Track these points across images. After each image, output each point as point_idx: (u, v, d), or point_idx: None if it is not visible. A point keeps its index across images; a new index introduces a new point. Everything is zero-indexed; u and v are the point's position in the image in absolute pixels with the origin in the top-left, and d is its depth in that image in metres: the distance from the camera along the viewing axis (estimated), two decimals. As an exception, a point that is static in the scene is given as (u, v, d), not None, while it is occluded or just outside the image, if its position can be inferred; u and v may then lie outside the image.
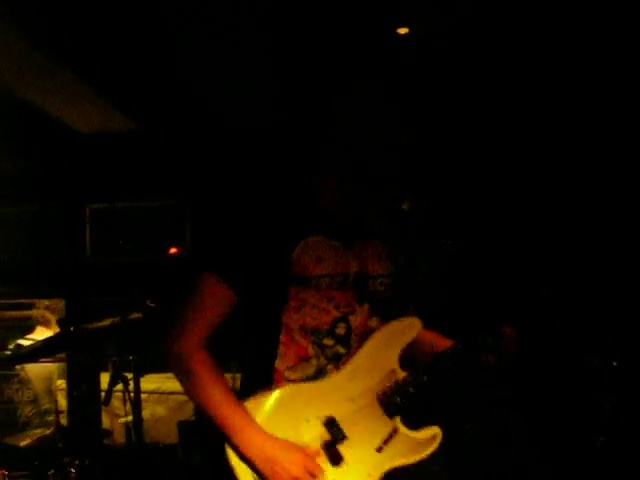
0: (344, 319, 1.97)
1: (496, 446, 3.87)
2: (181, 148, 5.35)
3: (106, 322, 3.59)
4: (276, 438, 1.83)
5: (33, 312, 5.08)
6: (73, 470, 3.22)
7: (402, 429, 1.94)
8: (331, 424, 1.89)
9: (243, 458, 1.83)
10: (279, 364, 1.94)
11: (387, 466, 1.90)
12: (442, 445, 1.97)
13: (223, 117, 4.95)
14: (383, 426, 1.92)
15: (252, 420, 1.84)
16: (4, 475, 3.03)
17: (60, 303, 5.19)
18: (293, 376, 1.93)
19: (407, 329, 2.01)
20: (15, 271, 5.42)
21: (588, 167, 4.59)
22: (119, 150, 5.47)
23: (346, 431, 1.89)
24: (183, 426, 4.91)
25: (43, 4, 3.59)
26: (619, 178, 4.45)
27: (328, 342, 1.95)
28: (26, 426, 4.61)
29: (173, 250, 5.96)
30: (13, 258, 5.62)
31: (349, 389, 1.92)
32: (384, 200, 2.14)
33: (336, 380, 1.93)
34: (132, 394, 3.79)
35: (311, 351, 1.94)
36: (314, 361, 1.94)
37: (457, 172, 5.03)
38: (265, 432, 1.83)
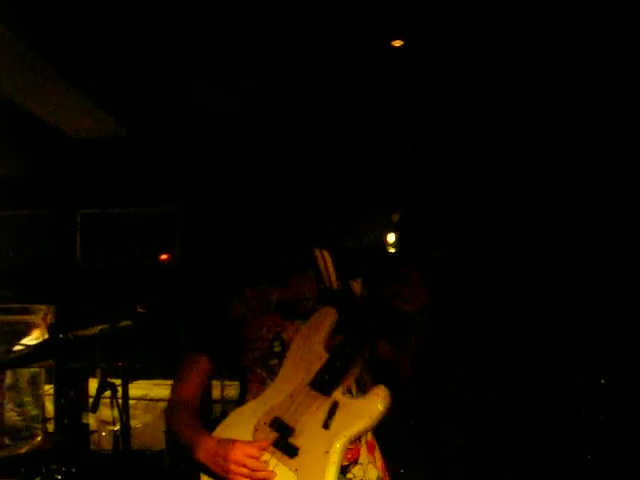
0: (278, 337, 2.18)
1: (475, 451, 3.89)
2: (173, 155, 5.36)
3: (95, 329, 3.59)
4: (228, 438, 2.00)
5: (25, 317, 5.05)
6: (59, 477, 3.21)
7: (342, 399, 2.00)
8: (276, 423, 2.00)
9: (196, 463, 2.03)
10: (248, 397, 2.16)
11: (341, 438, 1.94)
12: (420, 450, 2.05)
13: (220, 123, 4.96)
14: (323, 405, 1.99)
15: (205, 432, 2.07)
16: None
17: (50, 308, 5.16)
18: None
19: (323, 318, 2.14)
20: (5, 276, 5.40)
21: (586, 173, 4.61)
22: (110, 156, 5.47)
23: (291, 424, 1.99)
24: (170, 433, 4.89)
25: (40, 8, 3.59)
26: (618, 181, 4.47)
27: (273, 362, 2.15)
28: (13, 431, 4.58)
29: (164, 257, 5.95)
30: (4, 263, 5.60)
31: (285, 389, 2.06)
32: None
33: (273, 387, 2.10)
34: (120, 400, 3.79)
35: (265, 375, 2.16)
36: (268, 382, 2.14)
37: (446, 182, 5.04)
38: (211, 437, 2.04)
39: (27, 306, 5.13)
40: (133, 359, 4.15)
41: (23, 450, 3.37)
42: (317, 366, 2.06)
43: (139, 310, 3.72)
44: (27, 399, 4.71)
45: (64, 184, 5.71)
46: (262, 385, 2.14)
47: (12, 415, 4.62)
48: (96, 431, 4.68)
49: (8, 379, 4.65)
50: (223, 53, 4.08)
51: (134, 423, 4.18)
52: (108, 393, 3.69)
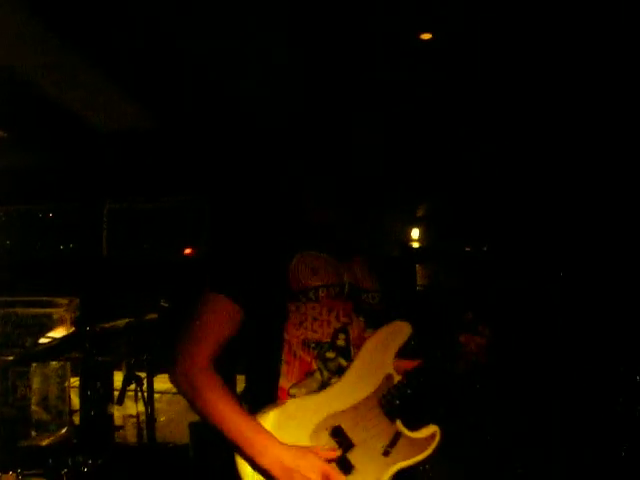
0: (344, 330, 2.00)
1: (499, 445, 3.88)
2: (200, 148, 5.36)
3: (122, 322, 3.60)
4: (291, 446, 1.83)
5: (50, 310, 5.08)
6: (86, 469, 3.22)
7: (404, 431, 1.98)
8: (338, 433, 1.90)
9: (259, 469, 1.82)
10: (284, 382, 1.94)
11: (394, 468, 1.94)
12: (444, 445, 2.02)
13: (241, 119, 4.95)
14: (387, 430, 1.96)
15: (265, 431, 1.84)
16: (18, 475, 3.03)
17: (75, 301, 5.19)
18: (299, 393, 1.93)
19: (397, 333, 2.05)
20: (32, 269, 5.44)
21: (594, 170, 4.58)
22: (138, 150, 5.48)
23: (353, 438, 1.91)
24: (195, 427, 4.91)
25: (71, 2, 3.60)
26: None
27: (330, 355, 1.97)
28: (39, 424, 4.61)
29: (188, 251, 5.97)
30: (30, 256, 5.64)
31: (351, 397, 1.94)
32: (371, 218, 2.20)
33: (338, 390, 1.94)
34: (145, 394, 3.80)
35: (314, 365, 1.96)
36: (318, 375, 1.96)
37: (472, 177, 5.02)
38: (279, 441, 1.83)
39: (53, 299, 5.16)
40: (158, 352, 4.16)
41: (50, 442, 3.40)
42: (385, 385, 1.97)
43: (163, 304, 3.73)
44: (53, 392, 4.73)
45: (91, 178, 5.74)
46: (308, 376, 1.95)
47: (38, 408, 4.64)
48: (122, 426, 4.69)
49: (34, 372, 4.68)
50: (254, 45, 4.07)
51: (158, 416, 4.18)
52: (133, 386, 3.70)
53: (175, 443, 4.94)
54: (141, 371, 3.89)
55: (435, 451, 1.98)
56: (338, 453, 1.88)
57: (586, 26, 3.88)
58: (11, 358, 3.96)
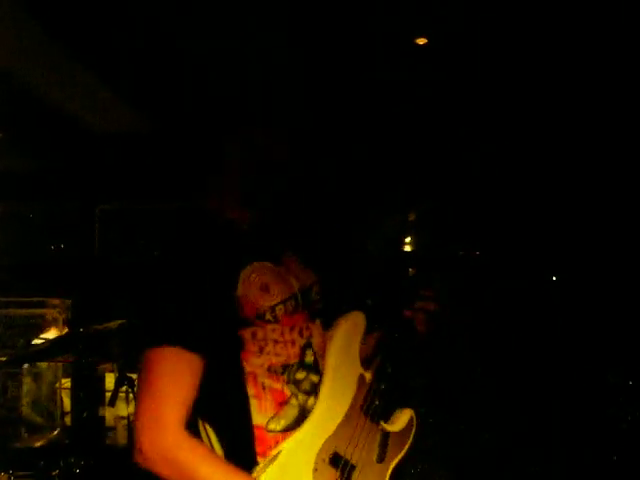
0: (309, 344, 1.81)
1: (502, 451, 3.88)
2: (194, 150, 5.34)
3: (114, 324, 3.60)
4: None
5: (42, 311, 5.07)
6: (78, 471, 3.22)
7: (388, 429, 1.89)
8: (337, 460, 1.75)
9: None
10: (258, 419, 1.70)
11: (390, 468, 1.87)
12: (448, 449, 1.98)
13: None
14: (374, 435, 1.85)
15: None
16: (9, 476, 3.03)
17: (67, 302, 5.18)
18: (279, 426, 1.71)
19: (354, 325, 1.89)
20: (23, 270, 5.42)
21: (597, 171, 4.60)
22: (131, 151, 5.48)
23: (351, 459, 1.77)
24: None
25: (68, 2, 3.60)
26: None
27: (300, 376, 1.77)
28: (30, 425, 4.60)
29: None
30: (22, 256, 5.62)
31: (335, 415, 1.79)
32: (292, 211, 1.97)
33: (320, 413, 1.77)
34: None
35: (287, 392, 1.74)
36: (293, 401, 1.74)
37: (464, 179, 5.04)
38: None
39: (44, 300, 5.15)
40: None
41: (41, 444, 3.40)
42: (362, 388, 1.84)
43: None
44: (44, 393, 4.72)
45: (83, 179, 5.73)
46: (283, 405, 1.73)
47: (29, 409, 4.63)
48: (114, 427, 4.69)
49: (26, 373, 4.67)
50: (249, 48, 4.07)
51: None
52: (124, 387, 3.70)
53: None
54: (133, 372, 3.89)
55: (416, 434, 1.92)
56: None
57: (586, 27, 3.89)
58: (3, 359, 3.95)
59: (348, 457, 1.76)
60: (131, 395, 3.76)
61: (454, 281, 2.08)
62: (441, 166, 5.00)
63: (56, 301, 5.09)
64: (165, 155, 5.41)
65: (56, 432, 3.69)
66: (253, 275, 1.74)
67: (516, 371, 3.99)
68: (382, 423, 1.87)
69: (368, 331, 1.93)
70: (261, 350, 1.71)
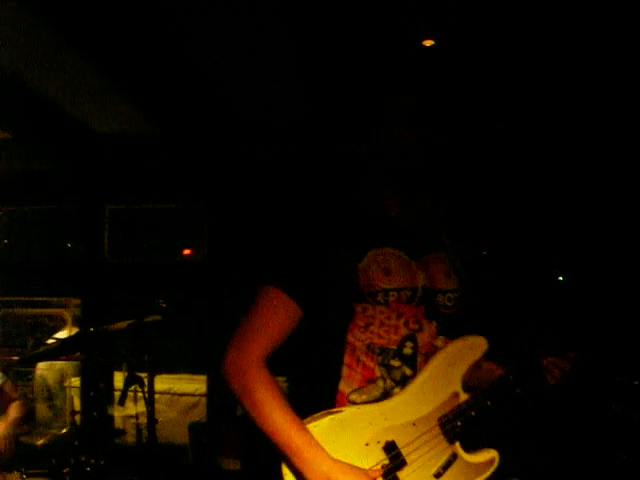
0: (412, 337, 1.86)
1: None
2: (205, 150, 5.37)
3: (123, 323, 3.62)
4: (341, 462, 1.71)
5: (51, 311, 5.11)
6: (89, 469, 3.24)
7: (461, 454, 1.86)
8: (391, 449, 1.78)
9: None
10: (344, 386, 1.83)
11: None
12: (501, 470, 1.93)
13: (251, 118, 4.95)
14: (442, 451, 1.83)
15: (316, 443, 1.71)
16: (21, 474, 3.06)
17: (76, 302, 5.22)
18: (359, 399, 1.82)
19: (472, 349, 1.91)
20: (33, 270, 5.45)
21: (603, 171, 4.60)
22: (139, 151, 5.49)
23: (406, 456, 1.78)
24: (194, 427, 4.94)
25: (71, 2, 3.61)
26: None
27: (395, 363, 1.84)
28: (41, 423, 4.63)
29: (187, 252, 5.99)
30: (31, 257, 5.65)
31: (411, 412, 1.82)
32: (442, 209, 2.07)
33: (398, 402, 1.82)
34: (146, 394, 3.82)
35: (378, 372, 1.83)
36: (380, 383, 1.83)
37: (488, 178, 5.03)
38: (330, 456, 1.71)
39: (54, 299, 5.19)
40: (159, 353, 4.17)
41: (52, 442, 3.42)
42: (449, 404, 1.85)
43: (161, 305, 3.74)
44: (55, 392, 4.76)
45: (92, 179, 5.75)
46: (369, 383, 1.82)
47: (41, 408, 4.67)
48: (124, 430, 4.71)
49: (38, 373, 4.71)
50: (254, 49, 4.09)
51: (158, 417, 4.20)
52: (133, 387, 3.72)
53: (174, 444, 4.97)
54: (142, 372, 3.91)
55: (492, 477, 1.87)
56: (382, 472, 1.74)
57: (587, 28, 3.89)
58: (15, 358, 3.99)
59: (403, 453, 1.78)
60: (140, 394, 3.79)
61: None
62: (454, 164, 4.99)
63: (66, 301, 5.13)
64: (174, 156, 5.44)
65: (65, 430, 3.72)
66: (380, 256, 1.85)
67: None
68: (457, 444, 1.86)
69: (493, 359, 1.96)
70: (367, 326, 1.82)
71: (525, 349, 1.97)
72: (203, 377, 5.79)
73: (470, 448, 1.89)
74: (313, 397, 1.86)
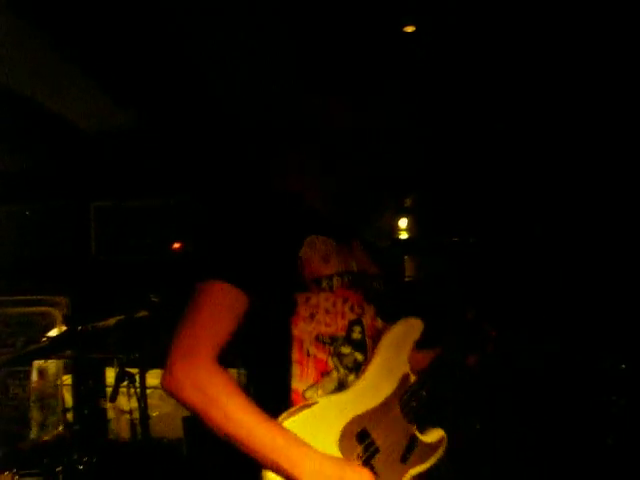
0: (358, 321, 1.83)
1: (501, 444, 3.90)
2: (185, 146, 5.36)
3: (112, 320, 3.62)
4: (332, 457, 1.63)
5: (41, 309, 5.09)
6: (81, 467, 3.24)
7: (418, 435, 1.89)
8: (364, 438, 1.74)
9: None
10: (297, 384, 1.74)
11: (410, 475, 1.83)
12: (449, 446, 1.94)
13: (224, 114, 4.94)
14: (405, 434, 1.85)
15: (301, 440, 1.61)
16: (13, 475, 3.05)
17: (65, 300, 5.20)
18: (316, 395, 1.74)
19: (411, 331, 1.95)
20: (21, 268, 5.43)
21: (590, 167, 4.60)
22: (124, 148, 5.47)
23: (378, 443, 1.76)
24: (188, 421, 4.93)
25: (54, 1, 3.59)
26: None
27: (345, 350, 1.79)
28: (32, 423, 4.62)
29: (176, 245, 5.97)
30: (19, 255, 5.63)
31: (374, 397, 1.81)
32: (366, 201, 2.05)
33: (361, 389, 1.79)
34: (138, 390, 3.82)
35: (331, 363, 1.76)
36: (334, 374, 1.77)
37: (462, 168, 5.04)
38: (318, 451, 1.61)
39: (42, 298, 5.16)
40: (150, 348, 4.16)
41: (45, 441, 3.42)
42: (404, 385, 1.87)
43: (153, 299, 3.74)
44: (46, 389, 4.74)
45: (78, 177, 5.73)
46: (324, 376, 1.76)
47: (33, 406, 4.66)
48: (115, 425, 4.71)
49: (27, 370, 4.69)
50: (239, 44, 4.07)
51: (151, 412, 4.20)
52: (125, 382, 3.73)
53: (168, 438, 4.96)
54: (133, 367, 3.91)
55: (441, 456, 1.90)
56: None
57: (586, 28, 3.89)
58: (4, 358, 3.98)
59: (375, 439, 1.75)
60: (132, 390, 3.79)
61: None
62: (436, 154, 5.00)
63: (55, 299, 5.11)
64: (160, 152, 5.42)
65: (59, 429, 3.72)
66: (318, 243, 1.81)
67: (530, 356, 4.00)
68: (414, 427, 1.88)
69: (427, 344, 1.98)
70: (312, 316, 1.75)
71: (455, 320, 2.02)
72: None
73: (423, 429, 1.92)
74: (267, 399, 1.71)
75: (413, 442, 1.85)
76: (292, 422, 1.64)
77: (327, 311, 1.77)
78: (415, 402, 1.85)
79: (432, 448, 1.91)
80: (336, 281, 1.79)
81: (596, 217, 4.25)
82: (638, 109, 4.29)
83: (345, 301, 1.81)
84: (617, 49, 4.03)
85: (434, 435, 1.94)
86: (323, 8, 3.71)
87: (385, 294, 1.97)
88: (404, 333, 1.92)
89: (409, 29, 3.94)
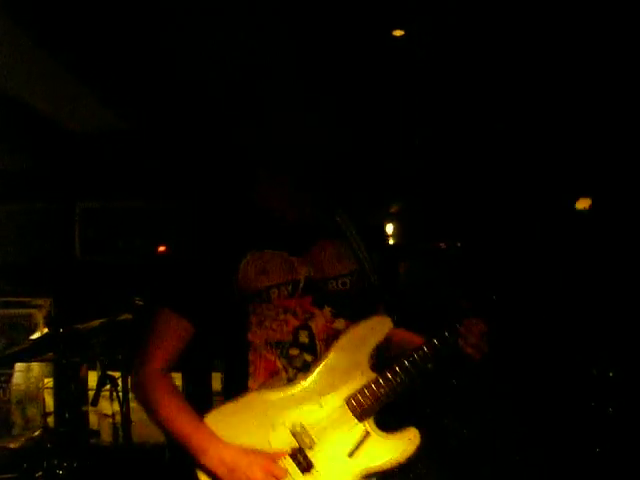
0: (305, 326, 1.97)
1: (483, 442, 3.89)
2: (176, 147, 5.34)
3: (95, 322, 3.59)
4: (235, 446, 1.85)
5: (23, 311, 5.05)
6: (61, 472, 3.20)
7: (374, 432, 1.91)
8: (299, 432, 1.87)
9: (204, 469, 1.85)
10: (251, 383, 1.96)
11: (360, 470, 1.87)
12: (425, 445, 1.93)
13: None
14: (354, 430, 1.90)
15: (207, 429, 1.87)
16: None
17: (48, 302, 5.16)
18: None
19: (376, 329, 1.98)
20: (3, 269, 5.39)
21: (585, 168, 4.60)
22: (109, 149, 5.45)
23: (315, 437, 1.87)
24: (154, 414, 4.88)
25: (40, 3, 3.58)
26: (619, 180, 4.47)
27: (294, 352, 1.96)
28: (13, 426, 4.58)
29: (161, 248, 5.93)
30: (1, 256, 5.58)
31: (317, 394, 1.91)
32: (326, 200, 2.10)
33: (303, 386, 1.92)
34: (120, 394, 3.78)
35: (279, 364, 1.96)
36: (283, 374, 1.95)
37: (448, 174, 5.04)
38: (224, 443, 1.85)
39: (26, 300, 5.12)
40: (132, 351, 4.12)
41: (24, 445, 3.37)
42: (358, 383, 1.92)
43: (137, 302, 3.71)
44: (27, 393, 4.71)
45: (63, 178, 5.69)
46: (273, 375, 1.95)
47: (15, 410, 4.62)
48: (98, 431, 4.67)
49: (14, 374, 4.66)
50: (228, 45, 4.06)
51: (133, 416, 4.17)
52: (107, 386, 3.69)
53: (150, 442, 4.92)
54: (116, 371, 3.87)
55: (415, 454, 1.89)
56: (286, 453, 1.85)
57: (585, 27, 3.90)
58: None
59: (311, 433, 1.87)
60: (114, 394, 3.75)
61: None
62: (424, 159, 5.00)
63: (37, 301, 5.08)
64: (146, 153, 5.40)
65: (38, 432, 3.67)
66: (257, 260, 1.98)
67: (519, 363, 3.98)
68: (367, 423, 1.91)
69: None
70: (260, 324, 1.96)
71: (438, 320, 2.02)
72: (178, 375, 5.74)
73: (386, 427, 1.94)
74: (233, 397, 1.96)
75: (364, 438, 1.89)
76: (213, 414, 1.89)
77: (273, 319, 1.97)
78: (370, 401, 1.90)
79: (395, 445, 1.90)
80: (272, 293, 1.96)
81: (586, 226, 4.25)
82: (638, 109, 4.30)
83: (286, 310, 1.97)
84: (617, 49, 4.05)
85: (402, 434, 1.92)
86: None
87: (346, 293, 2.03)
88: (366, 332, 1.97)
89: (398, 33, 3.94)
